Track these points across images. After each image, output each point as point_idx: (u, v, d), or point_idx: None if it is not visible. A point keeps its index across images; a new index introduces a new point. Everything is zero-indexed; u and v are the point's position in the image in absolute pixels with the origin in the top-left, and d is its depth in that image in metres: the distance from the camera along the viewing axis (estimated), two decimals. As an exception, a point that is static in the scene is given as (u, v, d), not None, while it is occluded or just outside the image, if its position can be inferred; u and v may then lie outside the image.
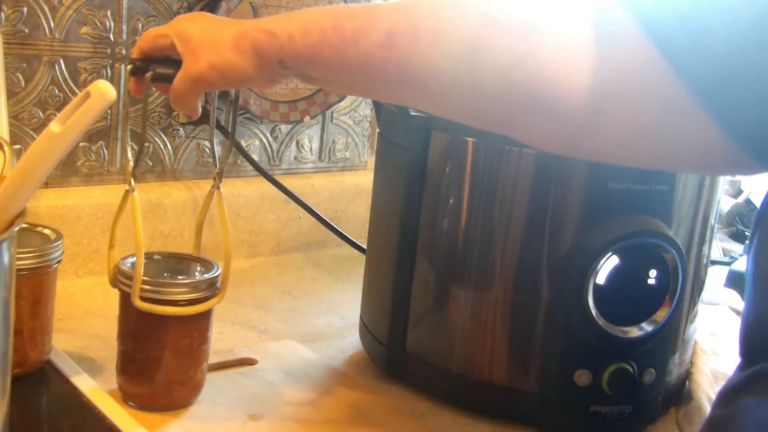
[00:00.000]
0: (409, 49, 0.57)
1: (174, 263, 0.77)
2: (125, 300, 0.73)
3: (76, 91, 1.01)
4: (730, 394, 0.53)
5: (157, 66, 0.69)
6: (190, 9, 1.07)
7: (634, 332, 0.76)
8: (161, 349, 0.72)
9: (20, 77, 0.98)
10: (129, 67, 0.72)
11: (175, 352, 0.73)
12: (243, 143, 1.16)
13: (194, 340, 0.73)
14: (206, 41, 0.66)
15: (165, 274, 0.74)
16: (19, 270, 0.71)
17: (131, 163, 0.74)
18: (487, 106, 0.57)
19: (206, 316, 0.74)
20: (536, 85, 0.53)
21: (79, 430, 0.73)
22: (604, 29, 0.52)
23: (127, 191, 0.73)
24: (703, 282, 0.85)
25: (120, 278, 0.72)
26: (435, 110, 0.64)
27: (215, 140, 1.15)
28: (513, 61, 0.53)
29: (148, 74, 0.70)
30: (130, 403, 0.74)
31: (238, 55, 0.65)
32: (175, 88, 0.68)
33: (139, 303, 0.70)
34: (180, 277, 0.75)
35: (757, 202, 1.57)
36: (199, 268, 0.76)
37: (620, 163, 0.60)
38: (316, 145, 1.25)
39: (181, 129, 1.11)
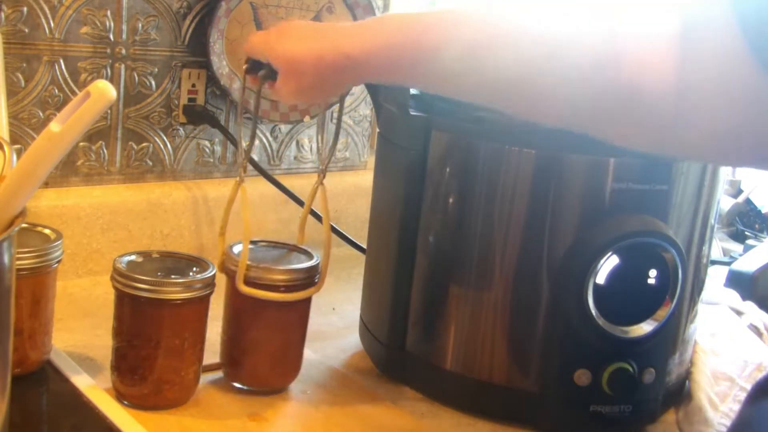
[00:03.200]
0: (489, 60, 0.58)
1: (171, 263, 0.77)
2: (120, 298, 0.73)
3: (76, 91, 1.01)
4: (758, 393, 0.53)
5: (268, 66, 0.76)
6: (189, 9, 1.07)
7: (634, 332, 0.76)
8: (153, 348, 0.72)
9: (20, 77, 0.98)
10: (245, 66, 0.79)
11: (166, 352, 0.73)
12: (243, 143, 1.16)
13: (186, 340, 0.73)
14: (291, 68, 0.71)
15: (158, 274, 0.74)
16: (19, 270, 0.70)
17: (242, 155, 0.83)
18: (570, 109, 0.56)
19: (200, 316, 0.74)
20: (620, 85, 0.52)
21: (78, 430, 0.73)
22: (693, 20, 0.51)
23: (237, 181, 0.81)
24: (703, 282, 0.85)
25: (116, 277, 0.72)
26: (516, 112, 0.63)
27: (216, 140, 1.15)
28: (595, 64, 0.53)
29: (261, 73, 0.76)
30: (124, 402, 0.74)
31: (320, 80, 0.69)
32: (276, 96, 0.76)
33: (242, 287, 0.75)
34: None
35: (757, 202, 1.57)
36: (194, 269, 0.76)
37: (712, 161, 0.58)
38: (316, 145, 1.25)
39: (181, 129, 1.11)
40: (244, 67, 0.79)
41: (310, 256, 0.81)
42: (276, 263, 0.79)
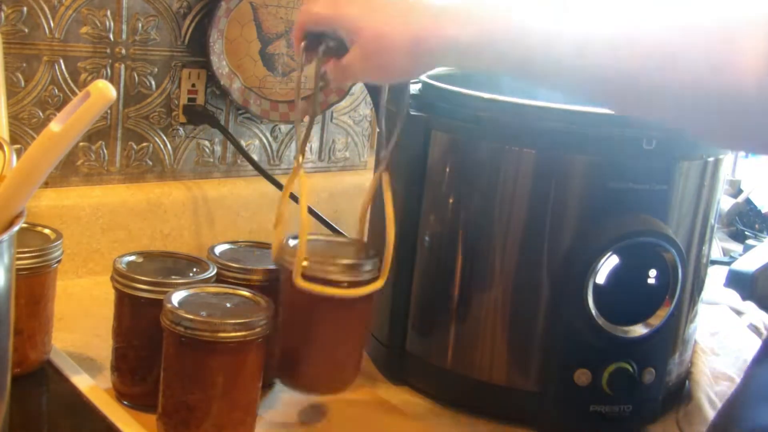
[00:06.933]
0: (602, 56, 0.56)
1: (171, 263, 0.77)
2: (120, 298, 0.73)
3: (76, 90, 1.01)
4: (763, 353, 0.54)
5: (329, 40, 0.68)
6: (189, 9, 1.07)
7: (634, 332, 0.76)
8: (153, 349, 0.72)
9: (20, 77, 0.97)
10: (303, 43, 0.70)
11: None
12: (243, 143, 1.16)
13: None
14: (378, 44, 0.64)
15: (159, 277, 0.74)
16: (18, 270, 0.70)
17: (299, 143, 0.74)
18: (674, 107, 0.56)
19: None
20: (732, 89, 0.52)
21: (78, 430, 0.73)
22: None
23: (294, 168, 0.74)
24: (703, 282, 0.85)
25: (116, 277, 0.72)
26: (620, 109, 0.61)
27: (215, 140, 1.15)
28: (711, 67, 0.52)
29: (321, 48, 0.68)
30: (124, 402, 0.74)
31: (411, 61, 0.63)
32: (338, 75, 0.68)
33: (300, 282, 0.68)
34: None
35: (757, 202, 1.57)
36: (194, 269, 0.76)
37: None
38: (316, 145, 1.25)
39: (181, 129, 1.11)
40: (302, 44, 0.70)
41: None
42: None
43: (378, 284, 0.71)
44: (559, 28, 0.58)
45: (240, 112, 1.15)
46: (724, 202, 1.54)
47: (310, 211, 1.16)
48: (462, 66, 0.64)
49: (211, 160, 1.15)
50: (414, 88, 0.84)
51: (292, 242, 0.73)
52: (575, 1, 0.60)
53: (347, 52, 0.67)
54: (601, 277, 0.74)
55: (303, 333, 0.71)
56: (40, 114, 0.99)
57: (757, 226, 1.55)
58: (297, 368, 0.72)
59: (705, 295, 0.87)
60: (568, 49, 0.57)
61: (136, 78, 1.05)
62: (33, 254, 0.75)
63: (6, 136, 0.85)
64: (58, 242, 0.78)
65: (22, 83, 0.98)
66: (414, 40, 0.62)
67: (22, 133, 0.98)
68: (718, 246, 1.37)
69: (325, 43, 0.68)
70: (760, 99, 0.51)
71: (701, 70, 0.53)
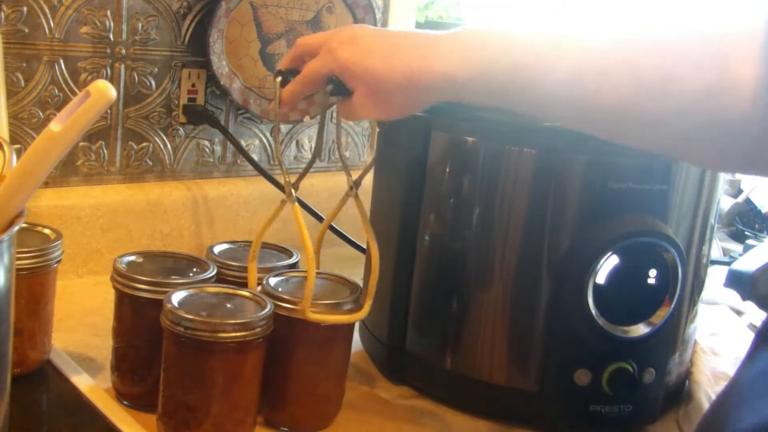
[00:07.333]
0: (597, 86, 0.56)
1: (171, 263, 0.77)
2: (120, 298, 0.73)
3: (76, 90, 1.01)
4: (753, 351, 0.54)
5: (332, 80, 0.70)
6: (189, 9, 1.07)
7: (634, 332, 0.76)
8: (153, 348, 0.72)
9: (20, 77, 0.98)
10: (278, 79, 0.72)
11: None
12: (243, 143, 1.16)
13: None
14: (378, 87, 0.66)
15: (159, 277, 0.74)
16: (18, 270, 0.70)
17: (285, 176, 0.75)
18: (671, 134, 0.56)
19: None
20: (727, 113, 0.52)
21: (78, 430, 0.73)
22: None
23: (283, 201, 0.75)
24: (703, 282, 0.85)
25: (116, 277, 0.72)
26: (616, 138, 0.61)
27: (215, 140, 1.15)
28: (706, 92, 0.52)
29: (328, 88, 0.70)
30: (124, 402, 0.74)
31: (408, 98, 0.65)
32: (346, 114, 0.71)
33: (311, 315, 0.70)
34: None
35: (757, 202, 1.57)
36: (195, 269, 0.76)
37: None
38: (315, 145, 1.25)
39: (181, 129, 1.11)
40: (278, 79, 0.72)
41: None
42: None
43: (367, 308, 0.74)
44: (555, 58, 0.58)
45: (240, 112, 1.15)
46: (724, 202, 1.54)
47: (310, 212, 1.16)
48: (460, 100, 0.64)
49: (211, 160, 1.15)
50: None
51: (272, 281, 0.75)
52: (569, 22, 0.59)
53: (347, 90, 0.69)
54: (601, 277, 0.74)
55: (286, 371, 0.72)
56: (40, 114, 0.99)
57: (757, 226, 1.55)
58: (280, 406, 0.73)
59: (705, 295, 0.87)
60: (564, 81, 0.57)
61: (136, 78, 1.05)
62: (33, 254, 0.75)
63: (6, 136, 0.85)
64: (58, 242, 0.78)
65: (22, 83, 0.98)
66: (409, 78, 0.64)
67: (22, 133, 0.98)
68: (718, 246, 1.37)
69: (331, 83, 0.70)
70: (754, 121, 0.51)
71: (695, 95, 0.53)
